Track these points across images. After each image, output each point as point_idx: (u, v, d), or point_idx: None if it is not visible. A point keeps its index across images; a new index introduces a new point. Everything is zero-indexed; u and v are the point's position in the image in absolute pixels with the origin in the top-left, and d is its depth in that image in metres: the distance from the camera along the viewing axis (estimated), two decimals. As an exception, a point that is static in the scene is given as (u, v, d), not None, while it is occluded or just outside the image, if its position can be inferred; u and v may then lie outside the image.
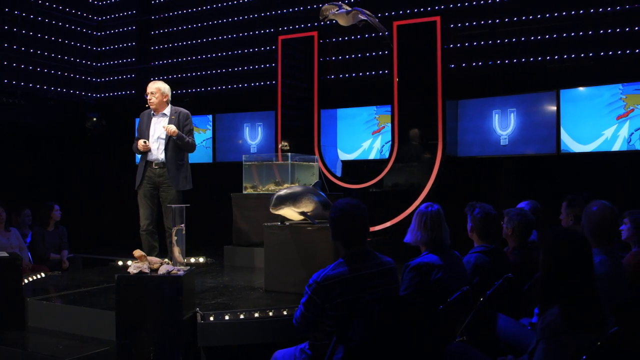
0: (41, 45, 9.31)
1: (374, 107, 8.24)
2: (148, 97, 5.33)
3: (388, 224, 7.28)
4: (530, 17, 7.24)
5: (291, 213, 4.40)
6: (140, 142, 5.22)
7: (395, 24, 7.42)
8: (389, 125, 8.01)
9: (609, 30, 6.79)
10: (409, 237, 3.32)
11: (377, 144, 8.26)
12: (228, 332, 3.67)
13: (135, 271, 3.43)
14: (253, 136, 9.03)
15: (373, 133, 8.32)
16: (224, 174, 8.69)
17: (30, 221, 7.15)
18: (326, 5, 5.23)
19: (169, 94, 5.45)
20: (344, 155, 8.46)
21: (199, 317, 3.69)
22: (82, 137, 9.68)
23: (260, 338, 3.72)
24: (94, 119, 9.54)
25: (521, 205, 4.95)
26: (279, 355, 3.15)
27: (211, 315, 3.72)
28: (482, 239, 3.69)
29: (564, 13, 7.05)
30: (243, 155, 6.31)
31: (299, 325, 2.88)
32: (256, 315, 3.82)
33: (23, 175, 8.89)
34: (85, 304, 4.21)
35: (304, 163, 6.24)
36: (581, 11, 6.94)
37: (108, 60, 10.30)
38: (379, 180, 7.51)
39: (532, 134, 7.07)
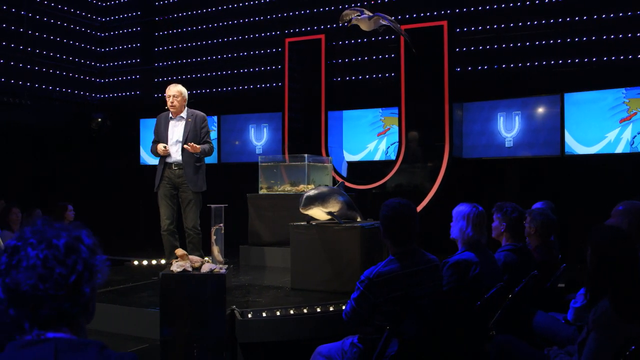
0: (46, 46, 9.30)
1: (380, 109, 8.38)
2: (170, 101, 5.34)
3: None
4: (535, 22, 7.44)
5: (319, 213, 4.52)
6: (160, 147, 5.21)
7: (403, 28, 7.53)
8: (395, 127, 8.15)
9: (612, 36, 7.01)
10: (457, 234, 3.44)
11: (383, 146, 8.40)
12: (267, 328, 3.78)
13: (178, 270, 3.52)
14: (258, 137, 9.11)
15: (378, 135, 8.46)
16: (229, 174, 8.78)
17: (40, 221, 7.14)
18: (347, 11, 5.34)
19: (187, 96, 5.52)
20: (349, 157, 8.59)
21: (237, 314, 3.78)
22: (87, 137, 9.69)
23: (297, 334, 3.83)
24: (99, 119, 9.55)
25: (537, 205, 5.11)
26: (324, 350, 3.26)
27: (249, 313, 3.82)
28: (512, 238, 3.84)
29: (568, 19, 7.26)
30: (259, 157, 6.41)
31: (349, 319, 2.99)
32: (291, 312, 3.93)
33: (29, 175, 8.88)
34: (118, 303, 4.28)
35: (319, 164, 6.36)
36: (584, 17, 7.16)
37: (112, 61, 10.32)
38: (386, 181, 7.65)
39: (536, 136, 7.26)
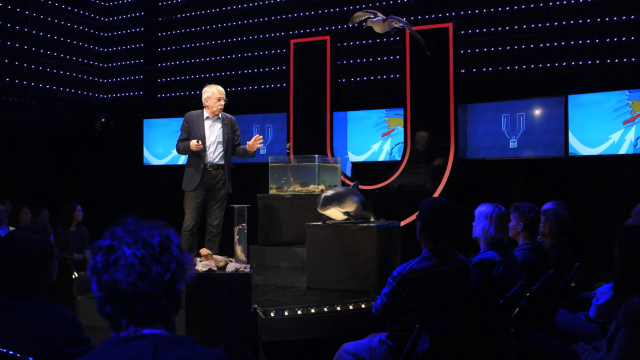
0: (50, 46, 9.28)
1: (384, 110, 8.44)
2: (220, 103, 5.35)
3: (402, 223, 7.48)
4: (539, 24, 7.54)
5: (336, 213, 4.57)
6: (193, 142, 5.19)
7: (407, 31, 7.64)
8: (399, 127, 8.22)
9: (615, 39, 7.12)
10: (479, 233, 3.50)
11: (387, 146, 8.47)
12: (289, 327, 3.82)
13: (204, 269, 3.56)
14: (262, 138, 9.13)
15: (383, 135, 8.52)
16: (232, 175, 8.80)
17: (48, 222, 7.15)
18: (358, 13, 5.40)
19: None
20: (353, 157, 8.64)
21: (260, 313, 3.82)
22: (91, 137, 9.68)
23: (318, 333, 3.88)
24: (103, 119, 9.55)
25: (547, 206, 5.19)
26: (350, 347, 3.31)
27: (272, 311, 3.86)
28: (529, 237, 3.91)
29: (572, 22, 7.36)
30: (270, 157, 6.44)
31: (379, 314, 3.04)
32: (312, 311, 3.98)
33: (32, 175, 8.86)
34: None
35: (328, 165, 6.41)
36: (588, 20, 7.26)
37: (116, 61, 10.31)
38: (391, 182, 7.71)
39: (540, 137, 7.35)
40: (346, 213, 4.58)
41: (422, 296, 2.89)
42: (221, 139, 5.34)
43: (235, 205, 3.89)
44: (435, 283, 2.90)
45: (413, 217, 7.46)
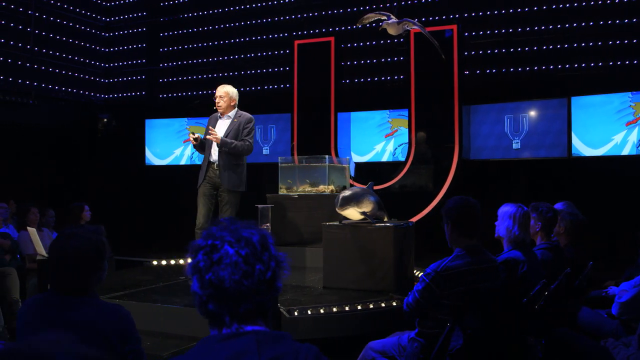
0: (52, 45, 9.24)
1: (387, 111, 8.50)
2: (217, 101, 5.43)
3: (408, 224, 7.55)
4: (543, 27, 7.64)
5: (354, 213, 4.61)
6: (191, 136, 5.33)
7: (413, 31, 7.69)
8: (402, 128, 8.29)
9: (618, 42, 7.23)
10: (503, 233, 3.56)
11: (390, 147, 8.53)
12: (313, 326, 3.86)
13: (230, 268, 3.57)
14: (265, 138, 9.17)
15: (386, 136, 8.58)
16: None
17: (54, 222, 7.12)
18: (370, 14, 5.45)
19: (237, 97, 5.58)
20: (357, 158, 8.69)
21: (284, 312, 3.86)
22: (93, 137, 9.65)
23: (341, 331, 3.92)
24: (105, 120, 9.52)
25: (557, 206, 5.27)
26: (377, 345, 3.35)
27: (295, 311, 3.90)
28: (547, 237, 3.98)
29: (575, 24, 7.47)
30: (279, 158, 6.47)
31: (411, 310, 3.09)
32: (334, 310, 4.02)
33: (35, 175, 8.81)
34: (157, 302, 4.32)
35: (338, 165, 6.45)
36: (591, 23, 7.37)
37: (118, 61, 10.28)
38: (395, 182, 7.77)
39: (544, 138, 7.45)
40: (363, 213, 4.63)
41: (455, 294, 2.94)
42: (221, 135, 5.33)
43: (259, 205, 3.92)
44: (468, 281, 2.95)
45: (418, 216, 7.53)
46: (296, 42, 8.45)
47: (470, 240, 3.04)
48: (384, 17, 5.12)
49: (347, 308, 4.05)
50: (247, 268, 1.36)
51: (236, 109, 5.53)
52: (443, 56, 5.86)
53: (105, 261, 2.26)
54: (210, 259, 1.36)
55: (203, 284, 1.36)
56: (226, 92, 5.41)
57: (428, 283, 2.98)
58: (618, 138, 7.00)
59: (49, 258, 2.32)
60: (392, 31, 5.11)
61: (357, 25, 5.82)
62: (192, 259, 1.39)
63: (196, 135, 5.40)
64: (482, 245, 3.09)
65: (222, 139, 5.27)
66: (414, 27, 5.11)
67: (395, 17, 5.09)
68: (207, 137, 5.33)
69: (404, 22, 5.03)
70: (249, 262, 1.36)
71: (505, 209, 3.59)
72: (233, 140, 5.32)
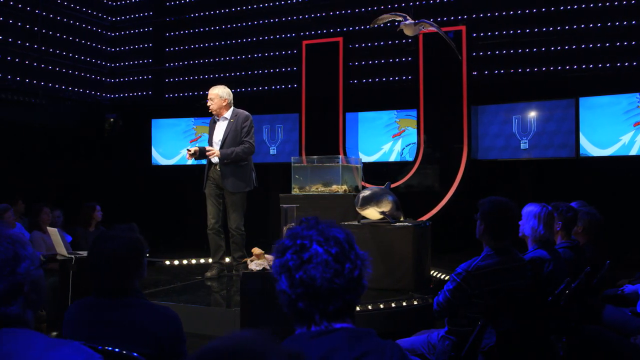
0: (58, 45, 9.22)
1: (395, 111, 8.54)
2: (208, 104, 5.45)
3: (417, 223, 7.59)
4: (551, 28, 7.70)
5: (373, 213, 4.65)
6: (188, 153, 5.31)
7: (422, 32, 7.73)
8: (410, 128, 8.33)
9: (625, 42, 7.30)
10: (528, 232, 3.59)
11: (398, 147, 8.57)
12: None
13: (257, 268, 3.61)
14: (272, 138, 9.18)
15: (393, 136, 8.62)
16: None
17: (61, 222, 7.10)
18: (385, 15, 5.48)
19: (229, 97, 5.53)
20: (364, 158, 8.72)
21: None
22: (100, 137, 9.64)
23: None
24: (112, 119, 9.51)
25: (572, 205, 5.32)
26: (405, 344, 3.37)
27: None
28: (567, 236, 4.02)
29: (582, 26, 7.53)
30: (292, 158, 6.49)
31: (441, 309, 3.11)
32: (358, 309, 4.04)
33: (41, 175, 8.79)
34: (179, 301, 4.34)
35: (350, 165, 6.48)
36: (599, 24, 7.44)
37: (124, 61, 10.27)
38: (404, 182, 7.81)
39: (552, 138, 7.50)
40: (383, 213, 4.66)
41: (486, 292, 2.98)
42: (220, 138, 5.35)
43: (283, 205, 3.94)
44: (498, 280, 2.98)
45: (428, 215, 7.57)
46: (304, 43, 8.48)
47: (501, 242, 3.08)
48: (399, 18, 5.15)
49: (370, 307, 4.08)
50: (338, 266, 1.38)
51: (232, 108, 5.48)
52: (460, 57, 5.89)
53: (145, 258, 2.27)
54: (300, 257, 1.38)
55: (293, 282, 1.37)
56: (215, 94, 5.39)
57: (459, 282, 3.01)
58: (626, 138, 7.06)
59: (90, 262, 2.30)
60: (408, 32, 5.14)
61: (372, 25, 5.84)
62: (278, 258, 1.41)
63: (192, 151, 5.32)
64: (512, 244, 3.12)
65: (221, 153, 5.26)
66: (430, 28, 5.13)
67: (412, 18, 5.12)
68: (207, 154, 5.33)
69: (421, 23, 5.06)
70: (338, 261, 1.38)
71: (529, 209, 3.62)
72: (233, 149, 5.28)
